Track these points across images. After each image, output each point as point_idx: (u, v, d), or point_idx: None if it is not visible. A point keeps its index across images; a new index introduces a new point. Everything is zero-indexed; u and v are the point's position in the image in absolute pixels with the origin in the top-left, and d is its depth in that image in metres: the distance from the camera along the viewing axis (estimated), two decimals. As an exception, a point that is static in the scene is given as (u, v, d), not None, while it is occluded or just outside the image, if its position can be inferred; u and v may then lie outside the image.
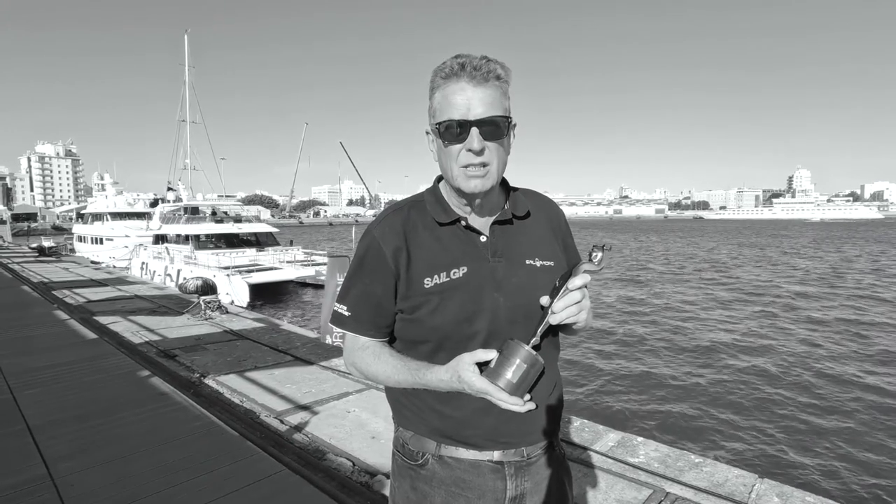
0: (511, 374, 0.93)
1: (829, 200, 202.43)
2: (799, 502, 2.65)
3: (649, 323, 12.64)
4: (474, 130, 0.97)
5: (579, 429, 3.58)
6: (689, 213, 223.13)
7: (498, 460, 1.06)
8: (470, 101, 0.97)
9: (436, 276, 1.04)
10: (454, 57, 0.99)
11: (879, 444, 5.99)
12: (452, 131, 0.98)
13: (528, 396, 0.98)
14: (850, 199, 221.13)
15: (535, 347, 0.97)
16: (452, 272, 1.04)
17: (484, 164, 0.99)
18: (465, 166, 1.00)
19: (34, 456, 3.02)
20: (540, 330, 0.98)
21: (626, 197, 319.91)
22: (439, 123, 1.00)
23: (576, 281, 0.95)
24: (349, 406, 4.05)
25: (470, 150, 0.98)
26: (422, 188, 1.19)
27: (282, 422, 3.75)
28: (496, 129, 0.99)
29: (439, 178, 1.13)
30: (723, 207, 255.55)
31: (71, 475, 2.78)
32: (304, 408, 4.02)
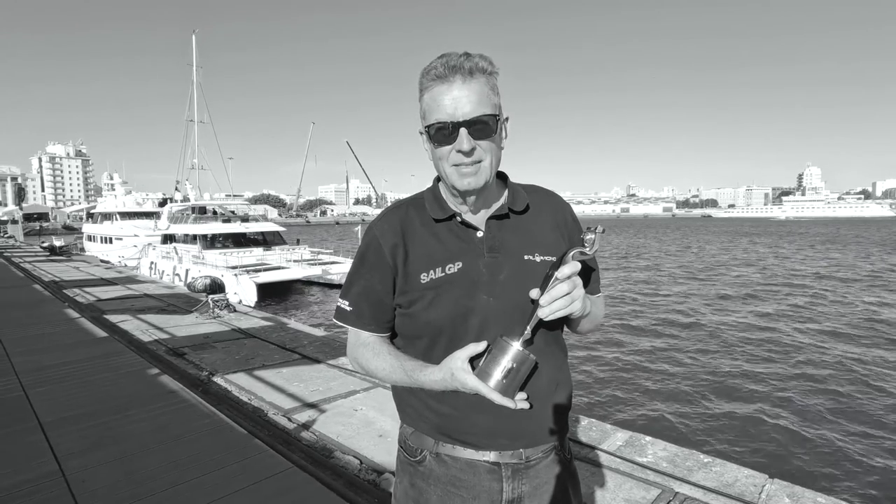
0: (500, 373, 0.93)
1: (839, 198, 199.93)
2: (810, 503, 2.62)
3: (658, 322, 12.57)
4: (463, 131, 0.97)
5: (587, 427, 3.56)
6: (698, 212, 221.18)
7: (494, 461, 1.05)
8: (457, 100, 0.96)
9: (431, 272, 1.04)
10: (439, 57, 0.99)
11: (893, 445, 5.91)
12: (442, 133, 0.98)
13: (523, 395, 0.97)
14: (862, 196, 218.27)
15: (528, 342, 0.96)
16: (447, 267, 1.04)
17: (476, 163, 0.99)
18: (457, 165, 1.00)
19: (46, 452, 3.05)
20: (530, 325, 0.96)
21: (633, 195, 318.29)
22: (428, 126, 1.00)
23: (564, 270, 0.92)
24: (356, 404, 4.06)
25: (460, 151, 0.98)
26: (427, 186, 1.19)
27: (289, 420, 3.77)
28: (485, 127, 0.98)
29: (438, 178, 1.13)
30: (731, 206, 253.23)
31: (82, 471, 2.81)
32: (312, 406, 4.03)
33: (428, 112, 1.00)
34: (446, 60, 0.97)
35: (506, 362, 0.92)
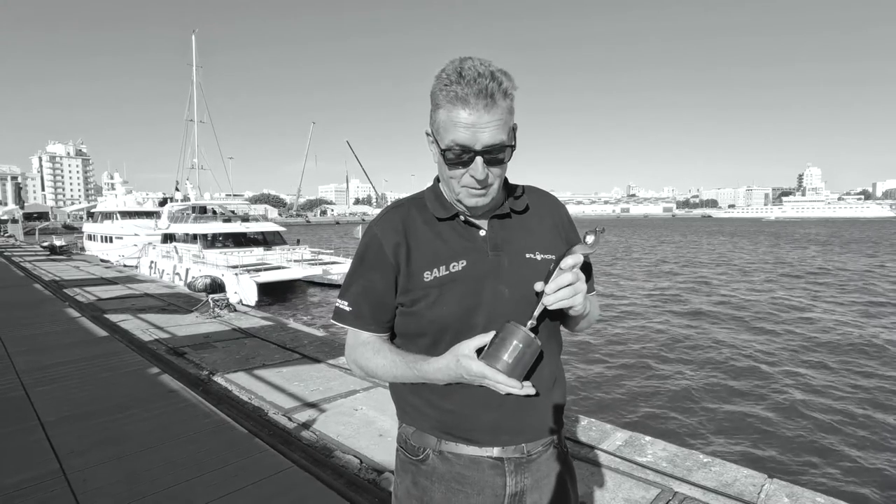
0: (507, 355, 0.93)
1: (840, 199, 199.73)
2: (809, 503, 2.63)
3: (659, 322, 12.57)
4: (479, 159, 0.96)
5: (586, 427, 3.57)
6: (698, 212, 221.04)
7: (497, 456, 1.06)
8: (476, 127, 0.94)
9: (435, 270, 1.05)
10: (459, 70, 0.94)
11: (892, 444, 5.92)
12: (457, 157, 0.98)
13: (528, 383, 0.97)
14: (862, 197, 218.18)
15: (533, 330, 0.97)
16: (452, 265, 1.05)
17: (486, 186, 1.01)
18: (467, 187, 1.01)
19: (47, 451, 3.06)
20: (536, 313, 0.97)
21: (633, 195, 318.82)
22: (445, 150, 0.99)
23: (568, 260, 0.94)
24: (357, 404, 4.06)
25: (473, 177, 0.98)
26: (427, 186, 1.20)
27: (290, 419, 3.77)
28: (500, 154, 0.99)
29: (438, 178, 1.14)
30: (731, 206, 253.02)
31: (83, 470, 2.82)
32: (312, 405, 4.04)
33: (444, 130, 0.98)
34: (468, 80, 0.93)
35: (512, 344, 0.93)
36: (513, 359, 0.93)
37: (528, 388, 0.95)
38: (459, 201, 1.05)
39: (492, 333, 0.97)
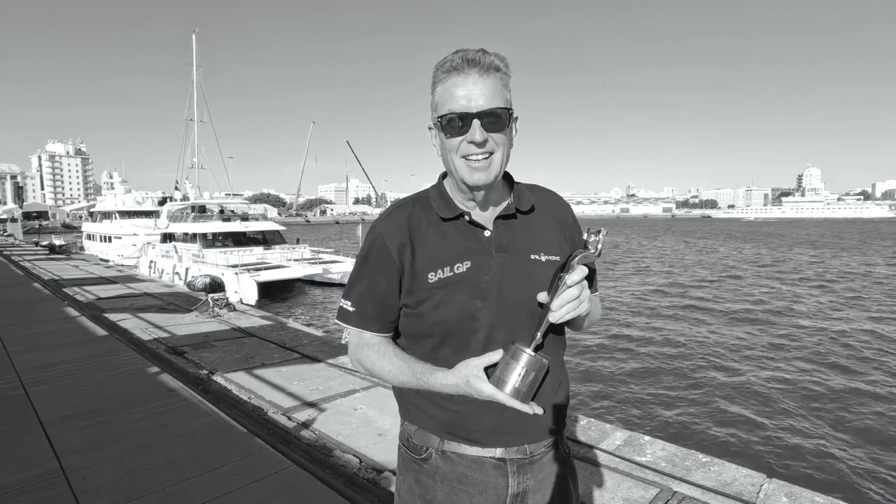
0: (518, 381, 0.94)
1: (839, 199, 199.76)
2: (808, 502, 2.63)
3: (659, 322, 12.58)
4: (476, 122, 0.97)
5: (586, 427, 3.57)
6: (698, 212, 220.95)
7: (500, 457, 1.06)
8: (471, 93, 0.97)
9: (440, 271, 1.04)
10: (454, 52, 1.00)
11: (890, 444, 5.92)
12: (454, 123, 0.98)
13: (537, 406, 0.98)
14: (861, 197, 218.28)
15: (538, 346, 0.97)
16: (456, 267, 1.04)
17: (486, 155, 1.00)
18: (467, 156, 1.00)
19: (47, 451, 3.06)
20: (541, 329, 0.97)
21: (633, 196, 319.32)
22: (441, 116, 1.00)
23: (573, 276, 0.93)
24: (356, 403, 4.06)
25: (472, 143, 0.98)
26: (427, 186, 1.19)
27: (289, 419, 3.77)
28: (498, 120, 0.99)
29: (443, 175, 1.14)
30: (731, 206, 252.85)
31: (83, 469, 2.82)
32: (312, 405, 4.04)
33: (441, 103, 1.01)
34: (463, 55, 0.98)
35: (521, 369, 0.93)
36: (522, 384, 0.94)
37: (536, 409, 0.95)
38: (462, 181, 1.03)
39: (499, 353, 0.96)
